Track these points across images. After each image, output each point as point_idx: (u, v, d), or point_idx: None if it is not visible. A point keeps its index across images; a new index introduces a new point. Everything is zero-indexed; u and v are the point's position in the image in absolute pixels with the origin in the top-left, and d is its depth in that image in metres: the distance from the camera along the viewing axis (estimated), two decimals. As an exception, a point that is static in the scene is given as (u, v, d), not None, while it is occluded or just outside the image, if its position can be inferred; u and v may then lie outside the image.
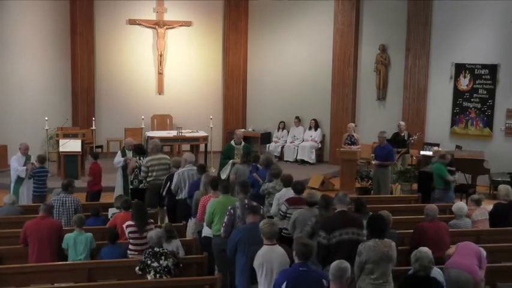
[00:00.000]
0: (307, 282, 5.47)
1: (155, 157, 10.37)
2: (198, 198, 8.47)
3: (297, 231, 7.54)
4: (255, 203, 7.41)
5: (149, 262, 6.91)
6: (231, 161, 11.29)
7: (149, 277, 6.89)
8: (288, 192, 8.45)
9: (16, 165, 10.79)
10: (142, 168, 10.34)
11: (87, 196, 10.92)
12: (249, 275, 6.44)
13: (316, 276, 5.54)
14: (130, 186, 10.74)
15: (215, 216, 7.64)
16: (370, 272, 6.08)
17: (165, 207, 10.08)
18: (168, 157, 10.65)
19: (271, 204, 8.72)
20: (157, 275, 6.87)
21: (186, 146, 15.68)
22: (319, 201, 7.42)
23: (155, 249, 6.98)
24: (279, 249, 6.12)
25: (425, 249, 5.93)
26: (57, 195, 8.75)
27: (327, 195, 7.63)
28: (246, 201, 7.45)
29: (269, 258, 6.03)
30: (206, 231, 7.98)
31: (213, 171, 13.93)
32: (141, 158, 10.66)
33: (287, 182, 8.65)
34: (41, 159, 10.75)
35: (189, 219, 9.09)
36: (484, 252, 6.88)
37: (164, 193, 9.75)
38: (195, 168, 9.54)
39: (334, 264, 5.29)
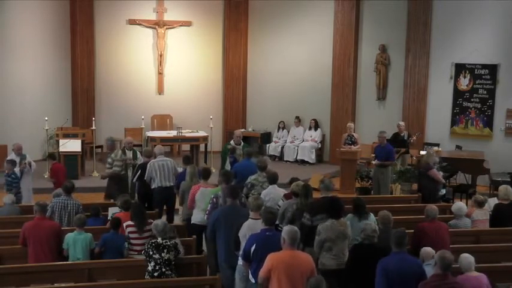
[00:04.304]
0: (272, 244, 6.19)
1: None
2: (183, 188, 9.18)
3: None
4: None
5: (151, 253, 6.97)
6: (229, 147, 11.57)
7: (150, 267, 6.97)
8: (274, 190, 8.60)
9: None
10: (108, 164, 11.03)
11: None
12: (229, 247, 7.15)
13: (280, 238, 6.12)
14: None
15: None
16: (329, 249, 6.86)
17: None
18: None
19: None
20: (157, 266, 6.95)
21: (186, 146, 15.69)
22: (299, 190, 7.85)
23: (158, 240, 7.02)
24: (261, 223, 6.71)
25: (370, 222, 6.78)
26: (58, 198, 8.63)
27: (307, 184, 8.15)
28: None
29: (253, 229, 6.69)
30: (195, 219, 8.59)
31: (213, 171, 13.92)
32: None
33: (273, 179, 8.78)
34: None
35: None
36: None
37: (134, 179, 10.41)
38: (166, 159, 10.31)
39: (287, 228, 6.03)
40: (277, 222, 7.99)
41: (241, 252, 6.67)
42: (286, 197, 8.27)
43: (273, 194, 8.47)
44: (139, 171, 10.30)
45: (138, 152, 11.28)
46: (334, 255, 6.84)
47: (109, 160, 10.97)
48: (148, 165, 10.12)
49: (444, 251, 5.87)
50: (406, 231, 7.87)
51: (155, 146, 12.09)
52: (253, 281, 6.45)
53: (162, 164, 10.12)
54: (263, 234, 6.42)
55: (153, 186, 10.09)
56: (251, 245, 6.38)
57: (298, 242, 6.08)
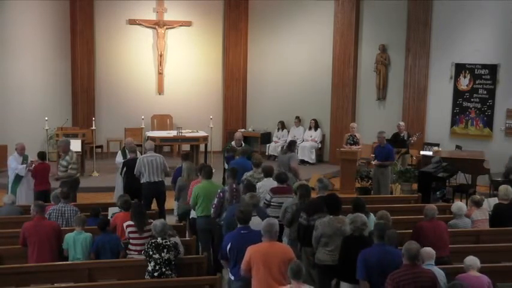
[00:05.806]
0: (247, 242, 6.26)
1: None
2: (180, 184, 9.34)
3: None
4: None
5: (151, 253, 6.97)
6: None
7: (150, 267, 6.98)
8: (268, 182, 8.82)
9: (15, 164, 10.78)
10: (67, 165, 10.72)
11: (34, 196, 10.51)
12: None
13: (255, 236, 6.35)
14: None
15: (198, 199, 8.40)
16: (325, 245, 6.98)
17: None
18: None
19: None
20: (157, 266, 6.96)
21: (186, 146, 15.68)
22: (300, 190, 7.94)
23: (158, 240, 7.02)
24: (257, 219, 6.96)
25: (360, 214, 6.86)
26: (55, 206, 8.54)
27: (306, 184, 8.29)
28: (234, 185, 8.18)
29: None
30: (193, 213, 8.73)
31: (213, 171, 13.90)
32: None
33: (268, 172, 9.03)
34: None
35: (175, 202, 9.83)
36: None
37: (122, 174, 10.62)
38: (156, 155, 10.46)
39: (265, 221, 6.28)
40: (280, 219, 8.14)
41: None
42: (273, 191, 8.47)
43: (266, 187, 8.72)
44: (125, 167, 10.50)
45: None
46: (330, 251, 6.94)
47: (63, 163, 10.46)
48: (138, 161, 10.29)
49: (410, 242, 6.03)
50: (406, 231, 7.95)
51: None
52: (232, 278, 6.54)
53: (151, 160, 10.22)
54: (238, 233, 6.51)
55: (142, 181, 10.22)
56: (227, 244, 6.48)
57: (276, 233, 6.21)
